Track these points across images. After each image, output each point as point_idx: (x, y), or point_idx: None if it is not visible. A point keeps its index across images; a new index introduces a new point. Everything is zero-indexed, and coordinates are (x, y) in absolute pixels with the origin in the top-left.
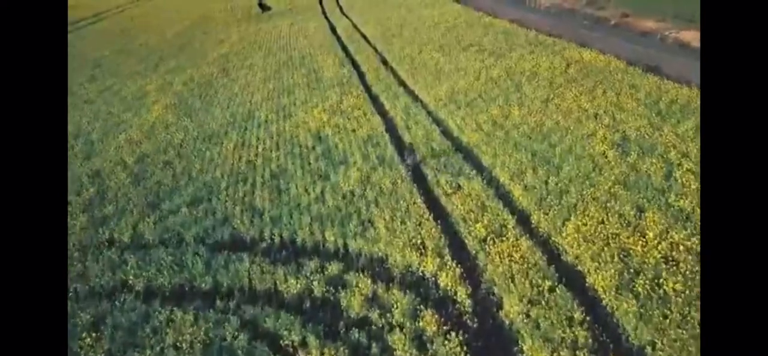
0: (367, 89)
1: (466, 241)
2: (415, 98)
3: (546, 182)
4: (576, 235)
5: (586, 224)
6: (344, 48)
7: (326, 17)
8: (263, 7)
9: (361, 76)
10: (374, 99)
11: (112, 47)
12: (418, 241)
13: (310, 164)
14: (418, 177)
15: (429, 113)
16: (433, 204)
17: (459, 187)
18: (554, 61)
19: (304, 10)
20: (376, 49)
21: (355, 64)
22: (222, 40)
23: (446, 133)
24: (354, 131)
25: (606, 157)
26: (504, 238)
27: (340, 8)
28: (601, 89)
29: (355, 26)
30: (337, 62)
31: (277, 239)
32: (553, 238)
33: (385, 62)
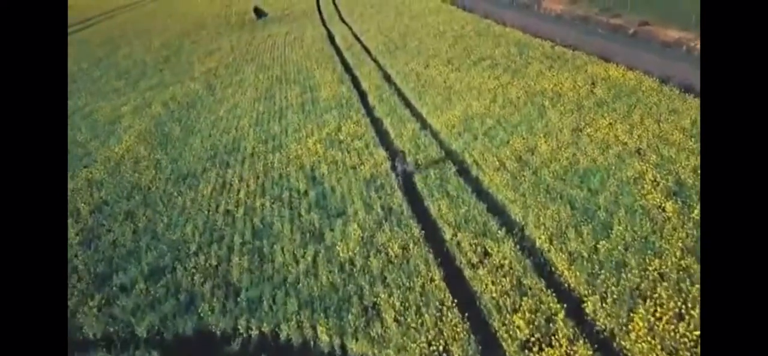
0: (369, 111)
1: (505, 345)
2: (424, 124)
3: (595, 249)
4: (649, 337)
5: (660, 318)
6: (343, 61)
7: (324, 24)
8: (259, 14)
9: (362, 95)
10: (377, 125)
11: (92, 59)
12: (441, 346)
13: (301, 216)
14: (434, 235)
15: (441, 144)
16: (455, 280)
17: (486, 253)
18: (577, 78)
19: (301, 16)
20: (378, 63)
21: (355, 81)
22: (211, 52)
23: (463, 171)
24: (354, 168)
25: (664, 211)
26: (554, 343)
27: (339, 14)
28: (637, 114)
29: (355, 35)
30: (335, 78)
31: (254, 334)
32: (618, 339)
33: (388, 79)
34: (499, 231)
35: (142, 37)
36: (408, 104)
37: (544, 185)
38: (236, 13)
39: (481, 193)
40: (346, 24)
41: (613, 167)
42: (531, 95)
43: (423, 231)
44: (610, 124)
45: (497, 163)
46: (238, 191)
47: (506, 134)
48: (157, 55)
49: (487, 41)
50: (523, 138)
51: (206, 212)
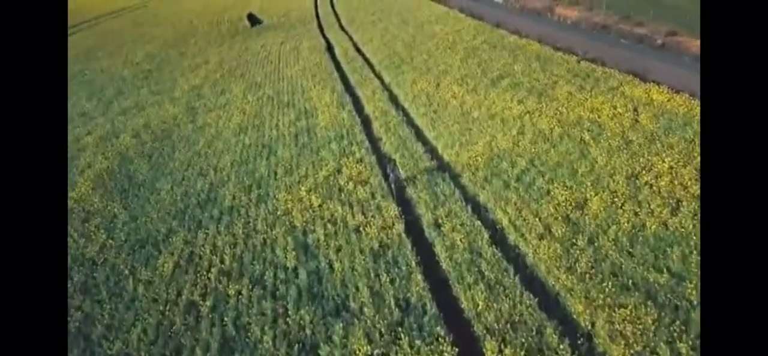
0: (375, 145)
1: None
2: (442, 164)
3: None
4: None
5: None
6: (344, 78)
7: (323, 33)
8: (253, 21)
9: (366, 122)
10: (385, 164)
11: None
12: None
13: (288, 315)
14: (470, 348)
15: (465, 194)
16: None
17: None
18: (616, 103)
19: (298, 23)
20: (382, 81)
21: (357, 103)
22: (198, 66)
23: (498, 239)
24: (358, 230)
25: None
26: None
27: (339, 22)
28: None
29: (356, 47)
30: (334, 100)
31: None
32: None
33: (394, 101)
34: (561, 344)
35: (125, 48)
36: (419, 135)
37: (607, 263)
38: (229, 21)
39: (527, 277)
40: (347, 33)
41: (692, 234)
42: (566, 125)
43: (455, 341)
44: (671, 168)
45: (540, 226)
46: (209, 268)
47: (544, 180)
48: (137, 69)
49: (502, 55)
50: (567, 187)
51: (162, 307)
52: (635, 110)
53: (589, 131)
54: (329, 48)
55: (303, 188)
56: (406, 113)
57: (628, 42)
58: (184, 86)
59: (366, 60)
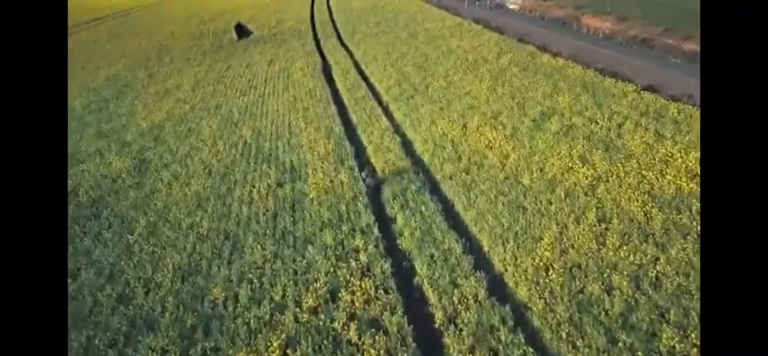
0: (390, 237)
1: None
2: (495, 281)
3: None
4: None
5: None
6: (343, 113)
7: (319, 48)
8: (241, 33)
9: (376, 192)
10: (407, 282)
11: None
12: None
13: None
14: None
15: None
16: None
17: None
18: None
19: (291, 36)
20: (392, 119)
21: (359, 153)
22: (167, 92)
23: None
24: None
25: None
26: None
27: (338, 34)
28: None
29: (358, 67)
30: (330, 152)
31: None
32: None
33: (411, 152)
34: None
35: (88, 66)
36: (451, 218)
37: None
38: (214, 33)
39: None
40: (347, 49)
41: None
42: (663, 204)
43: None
44: None
45: None
46: None
47: (670, 335)
48: (92, 99)
49: (538, 81)
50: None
51: None
52: None
53: (687, 208)
54: (326, 69)
55: (275, 343)
56: (427, 173)
57: (681, 61)
58: (143, 125)
59: (370, 86)
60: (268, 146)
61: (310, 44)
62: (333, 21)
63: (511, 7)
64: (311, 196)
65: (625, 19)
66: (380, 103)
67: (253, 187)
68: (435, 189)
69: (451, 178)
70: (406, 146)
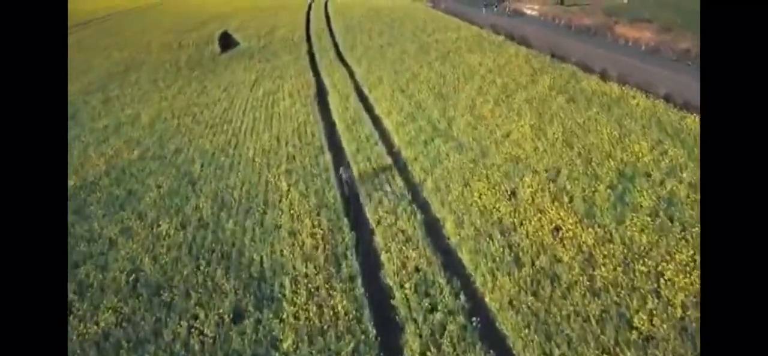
0: None
1: None
2: None
3: None
4: None
5: None
6: (341, 163)
7: (313, 65)
8: (225, 44)
9: (398, 329)
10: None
11: None
12: None
13: None
14: None
15: None
16: None
17: None
18: None
19: (282, 48)
20: (407, 177)
21: (366, 242)
22: (117, 128)
23: None
24: None
25: None
26: None
27: (336, 46)
28: None
29: (360, 92)
30: (322, 248)
31: None
32: None
33: (439, 246)
34: None
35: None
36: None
37: None
38: (195, 44)
39: None
40: (346, 65)
41: None
42: None
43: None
44: None
45: None
46: None
47: None
48: None
49: (595, 116)
50: None
51: None
52: None
53: None
54: (320, 93)
55: None
56: (470, 292)
57: None
58: (70, 183)
59: (374, 119)
60: (230, 230)
61: (303, 59)
62: (330, 30)
63: (530, 13)
64: (284, 347)
65: (669, 29)
66: (390, 149)
67: (193, 327)
68: (488, 329)
69: (511, 306)
70: (431, 228)
